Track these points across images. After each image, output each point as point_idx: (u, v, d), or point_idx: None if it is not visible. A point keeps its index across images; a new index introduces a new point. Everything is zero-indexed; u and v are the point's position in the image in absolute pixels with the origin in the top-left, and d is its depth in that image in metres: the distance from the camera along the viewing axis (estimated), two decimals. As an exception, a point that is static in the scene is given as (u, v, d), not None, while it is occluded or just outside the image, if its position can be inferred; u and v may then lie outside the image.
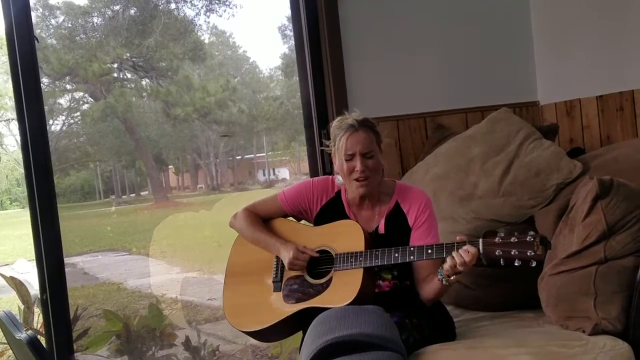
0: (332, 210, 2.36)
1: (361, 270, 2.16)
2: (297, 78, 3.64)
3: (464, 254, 2.00)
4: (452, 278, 2.09)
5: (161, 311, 4.46)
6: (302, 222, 2.47)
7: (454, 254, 2.02)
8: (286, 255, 2.25)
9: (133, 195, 9.51)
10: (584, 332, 2.24)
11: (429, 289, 2.22)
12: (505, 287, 2.67)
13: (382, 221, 2.31)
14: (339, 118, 2.32)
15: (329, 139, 2.35)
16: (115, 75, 7.69)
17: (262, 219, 2.43)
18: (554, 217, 2.64)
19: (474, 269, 2.70)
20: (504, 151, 3.02)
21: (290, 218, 2.46)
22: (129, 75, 7.84)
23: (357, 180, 2.24)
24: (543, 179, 2.87)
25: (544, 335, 2.30)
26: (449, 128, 3.51)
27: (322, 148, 2.47)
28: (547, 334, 2.32)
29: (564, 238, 2.45)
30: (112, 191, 9.20)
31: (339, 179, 2.35)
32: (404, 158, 3.57)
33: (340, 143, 2.25)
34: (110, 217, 8.39)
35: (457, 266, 2.03)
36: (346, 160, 2.24)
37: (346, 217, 2.34)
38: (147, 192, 9.55)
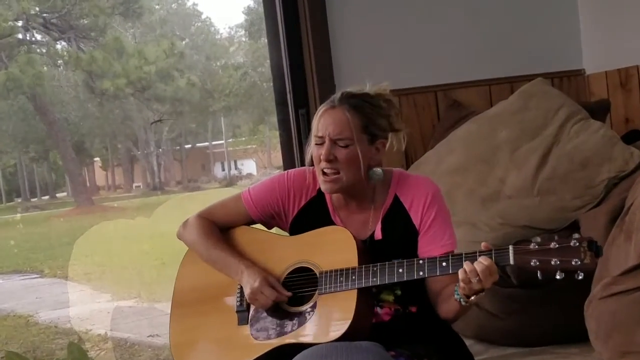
0: (312, 214, 2.36)
1: (354, 293, 2.17)
2: (266, 40, 3.63)
3: (478, 266, 2.02)
4: (472, 298, 2.11)
5: (85, 353, 4.44)
6: (275, 229, 2.48)
7: (466, 266, 2.04)
8: (249, 284, 2.25)
9: (46, 197, 9.44)
10: (644, 372, 2.27)
11: (446, 308, 2.23)
12: (542, 314, 2.69)
13: (379, 224, 2.32)
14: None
15: None
16: (20, 36, 7.62)
17: (222, 228, 2.43)
18: (605, 221, 2.65)
19: (501, 291, 2.76)
20: (540, 135, 3.04)
21: (258, 225, 2.46)
22: (38, 37, 7.77)
23: (323, 172, 2.25)
24: (591, 171, 2.90)
25: (593, 377, 2.33)
26: (468, 105, 3.52)
27: None
28: (597, 375, 2.35)
29: (619, 249, 2.46)
30: (17, 192, 9.12)
31: None
32: (409, 145, 3.53)
33: (314, 120, 2.27)
34: (15, 227, 8.33)
35: (472, 283, 2.05)
36: (316, 143, 2.26)
37: (331, 222, 2.34)
38: (65, 194, 9.48)
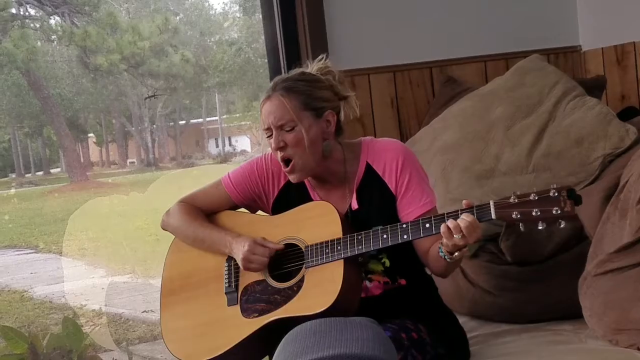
0: (293, 195, 2.37)
1: (341, 263, 2.17)
2: (260, 16, 3.60)
3: (461, 222, 2.02)
4: (455, 255, 2.11)
5: (80, 327, 4.45)
6: (259, 213, 2.47)
7: (449, 223, 2.03)
8: (240, 250, 2.25)
9: (40, 173, 9.42)
10: (638, 349, 2.26)
11: (434, 265, 2.25)
12: (536, 291, 2.69)
13: (354, 194, 2.32)
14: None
15: None
16: (14, 11, 7.56)
17: (205, 214, 2.44)
18: (599, 198, 2.65)
19: (496, 268, 2.76)
20: (535, 112, 3.03)
21: (242, 209, 2.46)
22: (31, 12, 7.70)
23: (283, 164, 2.27)
24: (586, 148, 2.89)
25: (587, 354, 2.32)
26: (463, 82, 3.50)
27: None
28: (591, 352, 2.33)
29: (613, 226, 2.46)
30: (11, 168, 9.10)
31: None
32: (403, 122, 3.56)
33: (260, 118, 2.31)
34: (10, 202, 8.31)
35: (454, 239, 2.05)
36: (267, 137, 2.28)
37: (311, 200, 2.35)
38: (59, 169, 9.46)
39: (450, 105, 3.30)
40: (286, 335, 2.01)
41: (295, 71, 2.32)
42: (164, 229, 2.48)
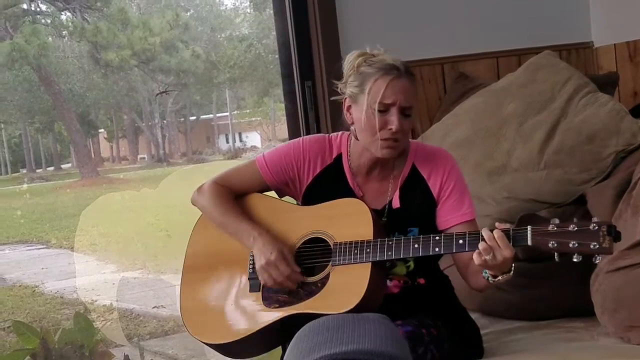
0: (329, 182, 2.34)
1: (368, 266, 2.16)
2: (272, 11, 3.61)
3: (490, 242, 2.00)
4: (498, 278, 2.10)
5: (91, 323, 4.47)
6: (286, 198, 2.44)
7: (481, 247, 2.01)
8: (264, 256, 2.23)
9: (51, 168, 9.45)
10: (650, 346, 2.27)
11: (473, 281, 2.23)
12: (548, 288, 2.70)
13: (397, 192, 2.30)
14: (360, 53, 2.27)
15: (338, 79, 2.31)
16: (25, 6, 7.58)
17: (237, 195, 2.40)
18: (612, 195, 2.65)
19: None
20: (547, 109, 3.03)
21: (271, 193, 2.45)
22: (43, 7, 7.73)
23: (386, 140, 2.22)
24: (598, 145, 2.88)
25: (599, 351, 2.32)
26: (475, 78, 3.50)
27: (334, 98, 2.35)
28: (603, 349, 2.33)
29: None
30: (22, 163, 9.13)
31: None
32: (415, 117, 3.56)
33: (374, 86, 2.18)
34: (21, 197, 8.34)
35: (489, 265, 2.03)
36: (379, 110, 2.21)
37: (348, 190, 2.31)
38: (70, 165, 9.48)
39: (461, 102, 3.30)
40: (299, 331, 2.01)
41: (395, 57, 2.26)
42: (192, 204, 2.44)
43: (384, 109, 2.18)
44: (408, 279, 2.29)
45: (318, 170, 2.35)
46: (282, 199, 2.44)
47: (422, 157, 2.31)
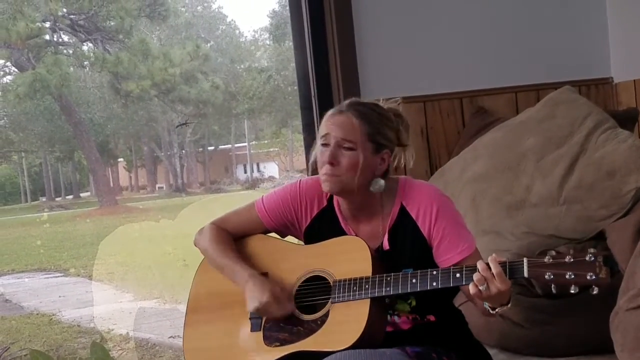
0: (324, 225, 2.36)
1: (367, 302, 2.17)
2: (291, 43, 3.63)
3: (484, 273, 2.01)
4: (497, 310, 2.10)
5: (108, 352, 4.46)
6: (288, 238, 2.47)
7: (475, 277, 2.02)
8: (257, 299, 2.24)
9: (70, 197, 9.52)
10: (671, 385, 2.24)
11: (480, 309, 2.23)
12: (567, 324, 2.67)
13: (386, 235, 2.31)
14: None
15: None
16: (48, 37, 7.69)
17: (236, 237, 2.44)
18: (632, 232, 2.63)
19: (526, 301, 2.74)
20: (567, 144, 3.02)
21: (272, 234, 2.47)
22: (65, 38, 7.84)
23: (325, 174, 2.24)
24: (618, 181, 2.87)
25: (619, 389, 2.30)
26: (494, 112, 3.51)
27: None
28: (623, 387, 2.31)
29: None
30: (42, 192, 9.20)
31: None
32: (433, 152, 3.57)
33: (320, 127, 2.29)
34: (40, 226, 8.40)
35: (483, 296, 2.03)
36: (322, 144, 2.26)
37: (343, 232, 2.35)
38: (89, 194, 9.55)
39: (480, 136, 3.30)
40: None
41: (370, 100, 2.31)
42: (195, 245, 2.48)
43: (324, 142, 2.23)
44: (417, 315, 2.29)
45: (315, 213, 2.38)
46: (284, 239, 2.46)
47: (410, 196, 2.30)
